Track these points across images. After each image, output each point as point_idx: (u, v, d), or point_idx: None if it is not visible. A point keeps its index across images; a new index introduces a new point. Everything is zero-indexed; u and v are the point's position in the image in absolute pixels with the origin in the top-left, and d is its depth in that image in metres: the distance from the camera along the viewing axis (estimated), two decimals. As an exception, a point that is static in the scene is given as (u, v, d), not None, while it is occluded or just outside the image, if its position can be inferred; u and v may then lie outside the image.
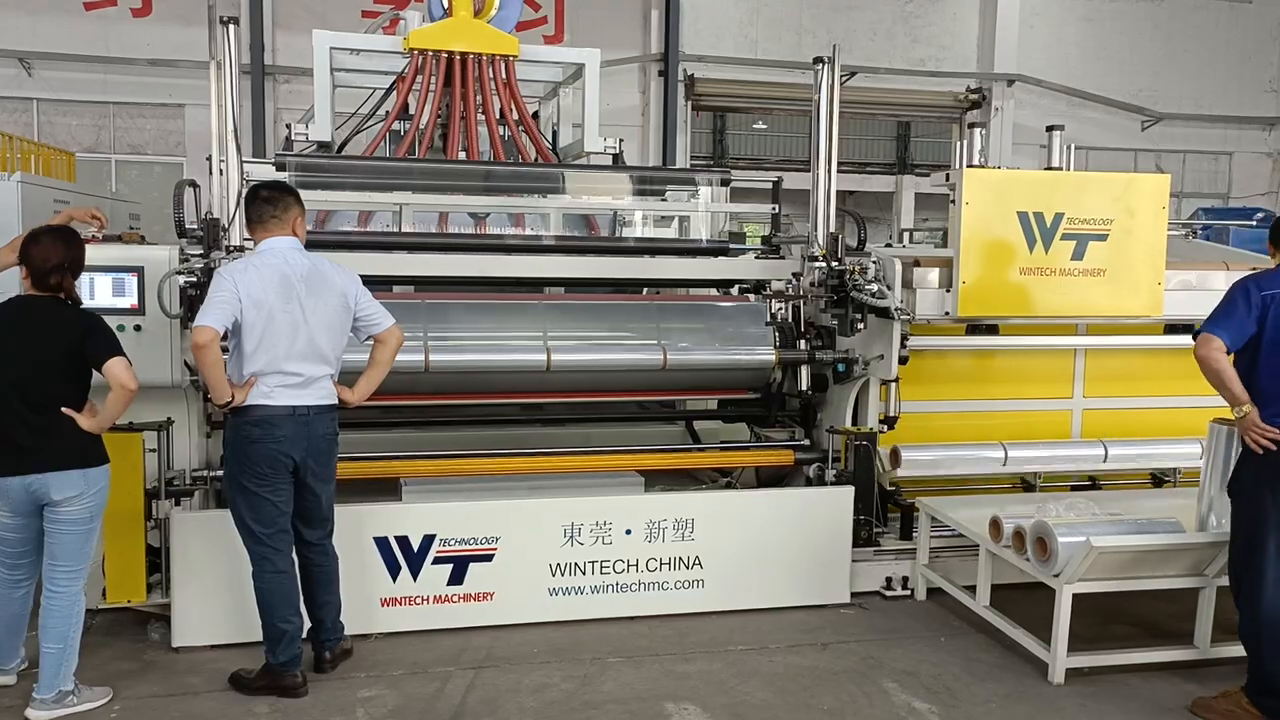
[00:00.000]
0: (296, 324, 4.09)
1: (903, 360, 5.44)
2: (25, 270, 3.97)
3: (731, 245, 6.49)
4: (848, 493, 5.32)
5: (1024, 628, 4.69)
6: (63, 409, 3.86)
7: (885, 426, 5.67)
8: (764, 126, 17.91)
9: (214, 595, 4.59)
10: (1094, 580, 4.43)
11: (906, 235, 16.18)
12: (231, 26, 4.69)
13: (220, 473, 4.53)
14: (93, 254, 4.37)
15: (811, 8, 16.85)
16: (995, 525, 4.81)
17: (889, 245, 7.01)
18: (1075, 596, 4.39)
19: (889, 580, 5.48)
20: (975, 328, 5.88)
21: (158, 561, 4.76)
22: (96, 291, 4.58)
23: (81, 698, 4.03)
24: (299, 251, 4.20)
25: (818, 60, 5.48)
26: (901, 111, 17.82)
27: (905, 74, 17.15)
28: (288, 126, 8.24)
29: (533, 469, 5.32)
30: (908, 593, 5.47)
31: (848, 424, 5.62)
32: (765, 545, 5.19)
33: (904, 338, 5.40)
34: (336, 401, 4.29)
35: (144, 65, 14.40)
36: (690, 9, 16.38)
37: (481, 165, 6.86)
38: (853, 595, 5.35)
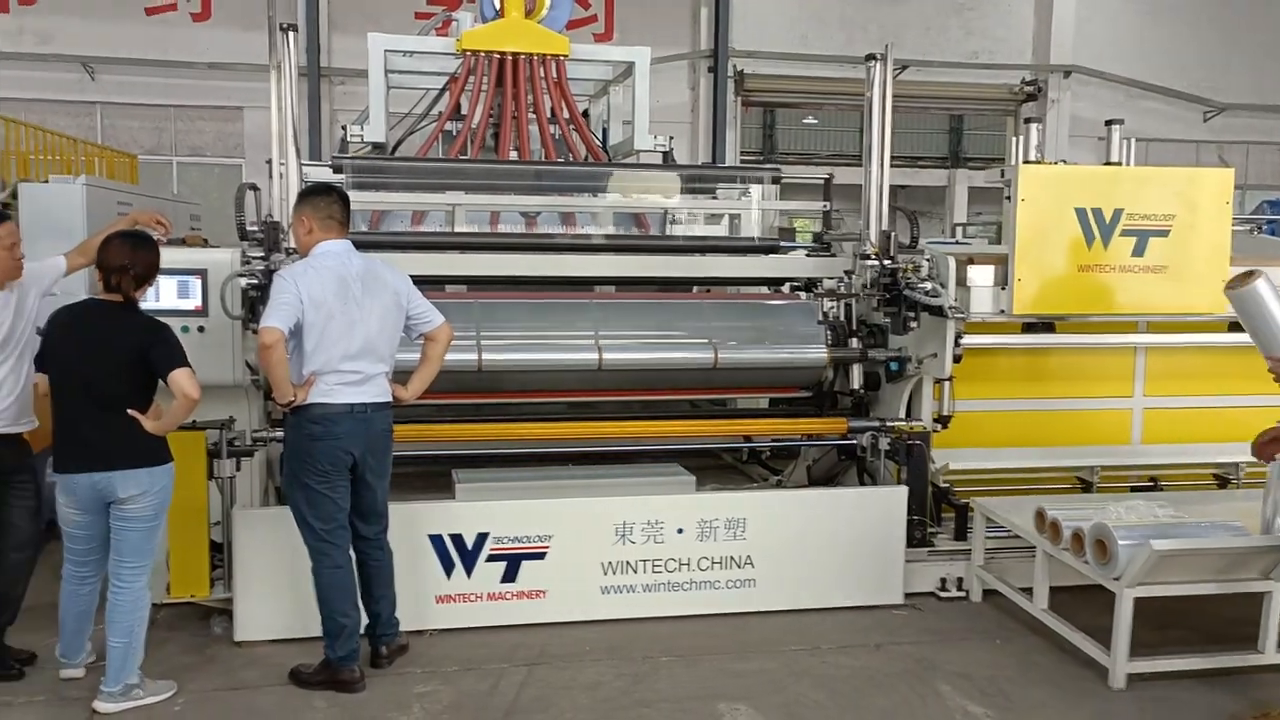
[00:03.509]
0: (353, 323, 4.17)
1: (957, 359, 5.39)
2: (99, 273, 4.08)
3: (782, 242, 6.46)
4: (900, 492, 5.28)
5: (1083, 631, 4.63)
6: (128, 410, 3.95)
7: (939, 425, 5.62)
8: (814, 121, 17.80)
9: (274, 591, 4.68)
10: (1155, 584, 4.36)
11: (959, 230, 16.08)
12: (290, 33, 4.76)
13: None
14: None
15: (862, 1, 16.69)
16: (1054, 527, 4.75)
17: (941, 241, 6.95)
18: (1136, 600, 4.32)
19: (943, 581, 5.43)
20: (1032, 325, 5.80)
21: (220, 557, 4.86)
22: (162, 294, 4.69)
23: (147, 690, 4.13)
24: (354, 253, 4.28)
25: (870, 57, 5.44)
26: (954, 105, 17.61)
27: (958, 67, 16.92)
28: (343, 128, 8.35)
29: (583, 435, 5.39)
30: (963, 594, 5.41)
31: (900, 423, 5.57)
32: (817, 545, 5.17)
33: (958, 336, 5.35)
34: (392, 399, 4.36)
35: (203, 69, 14.66)
36: (740, 5, 16.30)
37: (532, 165, 6.89)
38: (906, 596, 5.31)
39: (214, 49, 14.72)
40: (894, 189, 18.82)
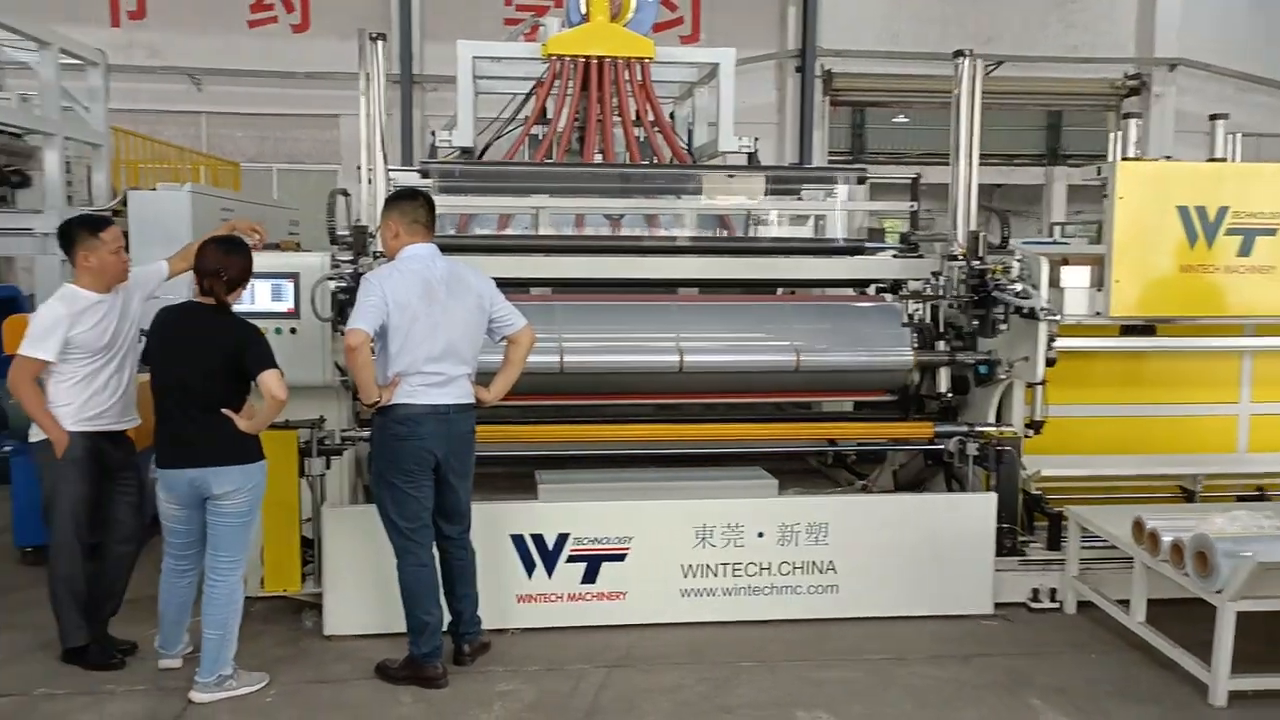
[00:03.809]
0: (437, 325, 4.23)
1: (1050, 362, 5.24)
2: (195, 277, 4.22)
3: (869, 243, 6.36)
4: (989, 499, 5.15)
5: (1182, 646, 4.45)
6: (222, 410, 4.08)
7: (1031, 431, 5.47)
8: (905, 120, 17.53)
9: (363, 587, 4.77)
10: (1260, 598, 4.16)
11: (1057, 230, 15.64)
12: (379, 42, 4.86)
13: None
14: (255, 261, 4.61)
15: (957, -4, 16.38)
16: (1152, 537, 4.58)
17: (1036, 241, 6.76)
18: (1239, 614, 4.13)
19: (1035, 592, 5.28)
20: (1130, 328, 5.61)
21: (311, 553, 4.98)
22: (257, 296, 4.82)
23: (240, 681, 4.25)
24: (438, 256, 4.34)
25: (959, 53, 5.32)
26: (1052, 101, 17.17)
27: (1057, 61, 16.46)
28: (432, 133, 8.51)
29: (664, 437, 5.39)
30: (1056, 605, 5.25)
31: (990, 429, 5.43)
32: (903, 552, 5.07)
33: (1051, 339, 5.20)
34: (475, 400, 4.41)
35: (301, 78, 15.08)
36: (829, 3, 16.14)
37: (615, 167, 6.91)
38: (996, 606, 5.18)
39: (312, 59, 15.14)
40: (988, 188, 18.40)
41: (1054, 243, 12.37)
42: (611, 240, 6.57)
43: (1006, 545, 5.25)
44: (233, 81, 15.23)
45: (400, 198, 4.43)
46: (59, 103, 9.05)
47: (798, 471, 6.47)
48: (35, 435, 4.36)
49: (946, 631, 4.98)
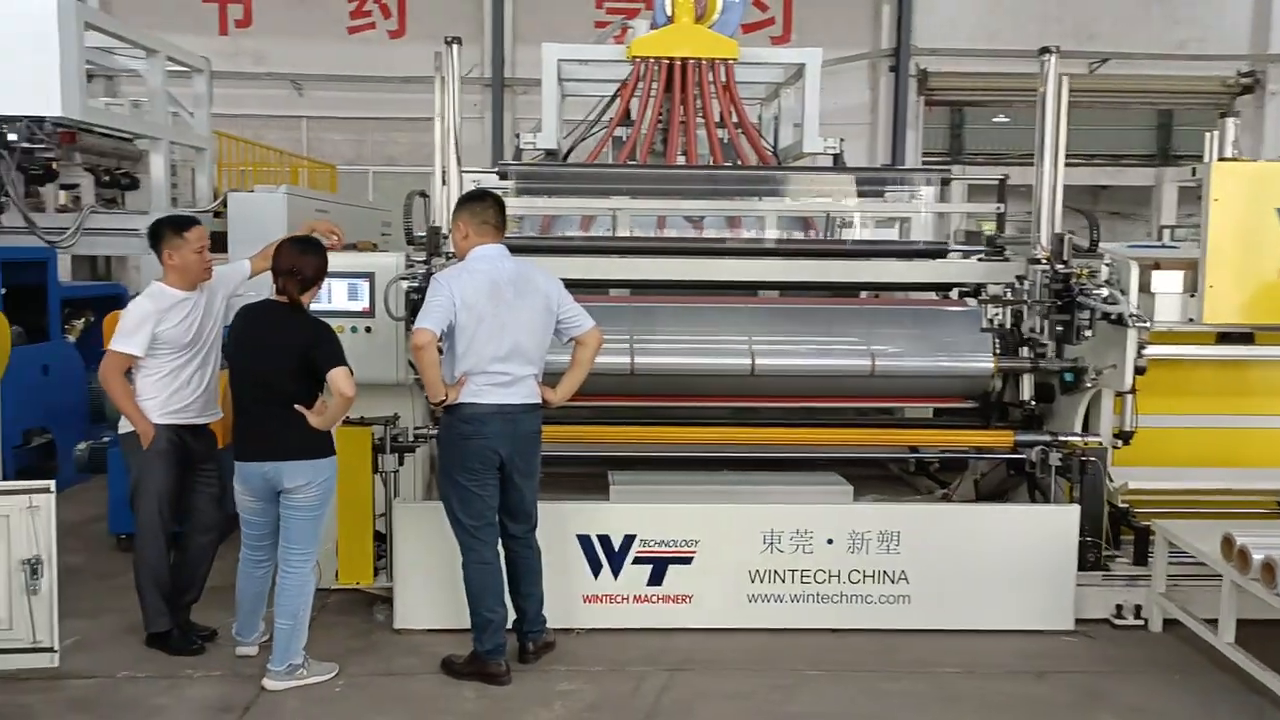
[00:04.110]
0: (504, 326, 4.26)
1: (1140, 370, 5.04)
2: (273, 275, 4.34)
3: (963, 246, 6.19)
4: (1071, 512, 4.98)
5: (1273, 669, 4.23)
6: (294, 406, 4.19)
7: (1120, 441, 5.28)
8: (1005, 120, 17.09)
9: (432, 582, 4.84)
10: (1357, 622, 3.94)
11: (1166, 233, 15.06)
12: (455, 46, 4.93)
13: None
14: (332, 261, 4.73)
15: (1058, -8, 15.91)
16: (1242, 554, 4.36)
17: (1144, 244, 6.52)
18: (1334, 639, 3.92)
19: (1119, 608, 5.08)
20: (1227, 335, 5.36)
21: (384, 548, 5.07)
22: (333, 295, 4.94)
23: (311, 671, 4.36)
24: (507, 257, 4.38)
25: (1045, 50, 5.15)
26: (1159, 99, 16.55)
27: (1163, 59, 15.87)
28: (516, 135, 8.62)
29: (736, 440, 5.36)
30: (1140, 623, 5.05)
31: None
32: (978, 563, 4.94)
33: (1141, 346, 5.00)
34: (540, 401, 4.43)
35: (398, 83, 15.41)
36: (924, 1, 15.85)
37: (692, 169, 6.89)
38: (1077, 622, 5.01)
39: (408, 64, 15.45)
40: (1093, 189, 17.80)
41: (1162, 246, 11.93)
42: (690, 242, 6.56)
43: (1090, 559, 5.07)
44: (332, 86, 15.66)
45: (469, 199, 4.49)
46: (165, 108, 9.42)
47: (879, 478, 6.35)
48: (124, 427, 4.54)
49: (1022, 647, 4.83)
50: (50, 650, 4.15)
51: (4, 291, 7.06)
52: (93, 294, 8.62)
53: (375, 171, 15.97)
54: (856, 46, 15.82)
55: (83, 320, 8.07)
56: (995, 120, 17.13)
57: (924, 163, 16.00)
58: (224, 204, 9.20)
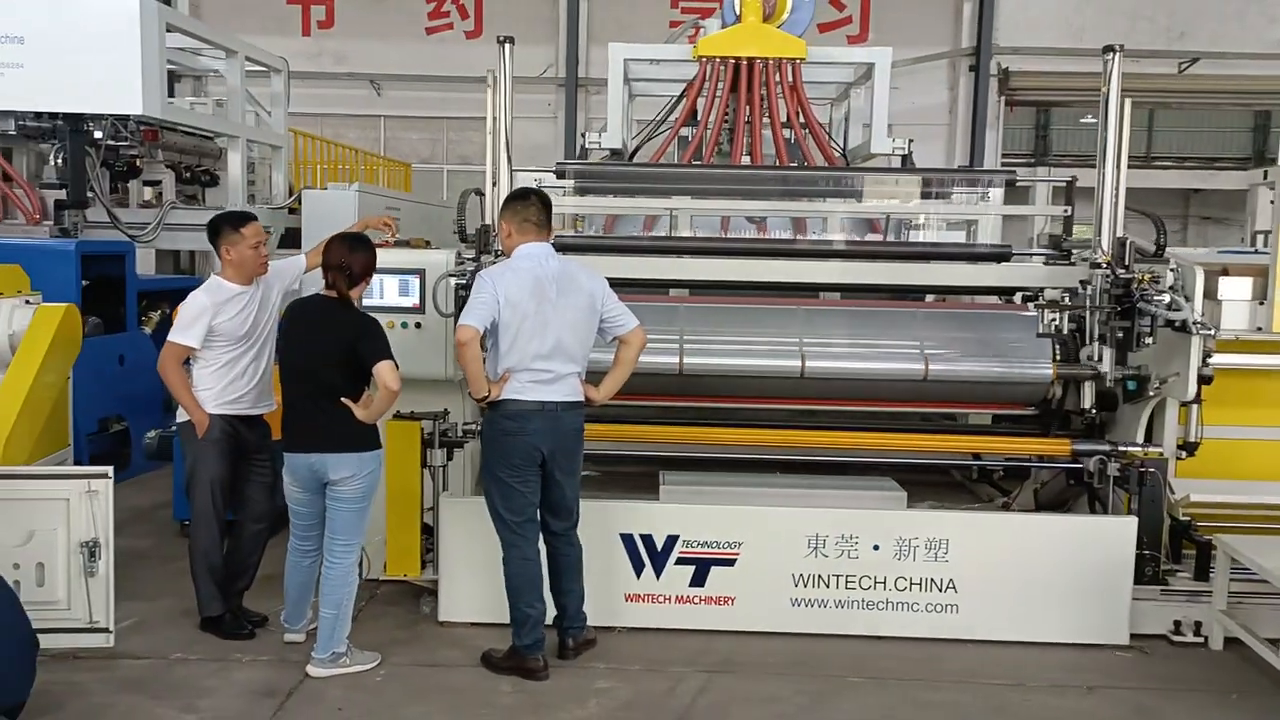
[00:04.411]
0: (547, 323, 4.28)
1: (1206, 380, 4.87)
2: (323, 271, 4.43)
3: (1044, 251, 6.03)
4: (1128, 524, 4.83)
5: (1337, 694, 4.07)
6: (341, 399, 4.27)
7: (1184, 453, 5.11)
8: (1094, 120, 16.60)
9: (476, 575, 4.87)
10: None
11: (1261, 238, 14.50)
12: (508, 45, 4.98)
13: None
14: (382, 257, 4.81)
15: (1148, -10, 15.43)
16: (1306, 573, 4.19)
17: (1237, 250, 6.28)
18: (1401, 665, 3.74)
19: (1177, 624, 4.92)
20: (1300, 345, 5.16)
21: (432, 541, 5.14)
22: (385, 291, 5.03)
23: (354, 660, 4.44)
24: (552, 256, 4.40)
25: (1108, 49, 5.02)
26: (1255, 100, 15.94)
27: (1260, 58, 15.29)
28: (582, 135, 8.67)
29: (783, 443, 5.30)
30: (1200, 640, 4.88)
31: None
32: (1029, 574, 4.82)
33: (1206, 354, 4.83)
34: (583, 399, 4.44)
35: (473, 83, 15.48)
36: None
37: (749, 169, 6.85)
38: (1133, 637, 4.86)
39: (484, 64, 15.55)
40: (1184, 193, 17.22)
41: (1255, 252, 11.49)
42: (749, 243, 6.51)
43: (1147, 573, 4.91)
44: (410, 86, 15.95)
45: (512, 198, 4.52)
46: (243, 107, 9.69)
47: (942, 485, 6.24)
48: (181, 416, 4.69)
49: (1074, 660, 4.71)
50: (106, 631, 4.30)
51: (86, 284, 7.33)
52: (169, 287, 8.90)
53: (449, 170, 16.20)
54: (936, 45, 15.58)
55: (159, 312, 8.35)
56: (1083, 121, 16.67)
57: (1003, 164, 15.67)
58: (298, 200, 9.46)
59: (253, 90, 10.21)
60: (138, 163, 9.24)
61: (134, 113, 8.00)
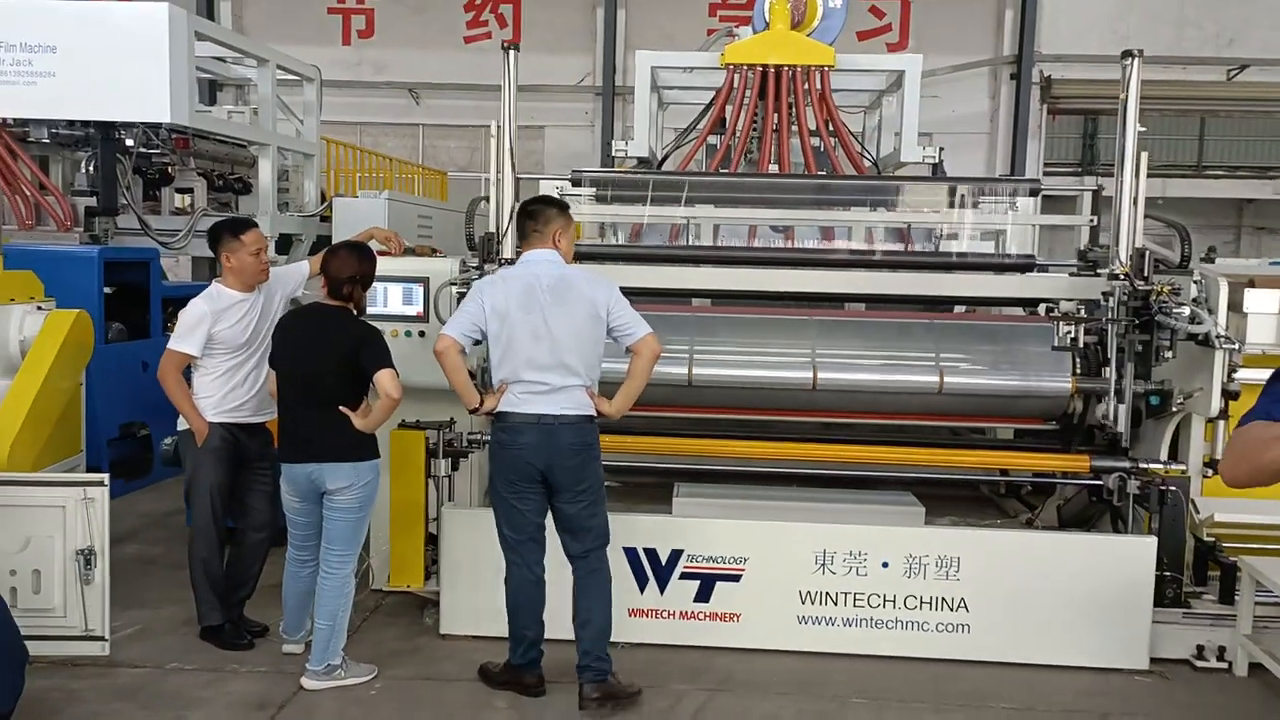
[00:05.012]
0: (538, 333, 4.12)
1: (1232, 395, 4.69)
2: (324, 280, 4.41)
3: (1039, 260, 5.89)
4: (1148, 544, 4.66)
5: (1364, 727, 3.87)
6: (339, 408, 4.24)
7: (1210, 470, 4.92)
8: (1142, 129, 16.22)
9: (479, 588, 4.79)
10: None
11: (1311, 250, 14.10)
12: (513, 52, 4.94)
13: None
14: (387, 266, 4.80)
15: (1195, -3, 15.06)
16: (1334, 599, 4.00)
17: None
18: None
19: (1200, 649, 4.73)
20: (1333, 360, 4.94)
21: (437, 551, 5.10)
22: (389, 299, 5.00)
23: (349, 672, 4.40)
24: (551, 263, 4.24)
25: (1126, 54, 4.87)
26: (1307, 108, 15.51)
27: (1313, 65, 14.88)
28: (608, 143, 8.64)
29: (803, 456, 5.18)
30: (1224, 666, 4.69)
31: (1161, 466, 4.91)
32: (1044, 594, 4.67)
33: (1232, 369, 4.65)
34: (589, 413, 4.24)
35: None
36: (1050, 7, 15.24)
37: (770, 177, 6.75)
38: (1153, 661, 4.68)
39: (521, 73, 15.62)
40: (1237, 203, 16.73)
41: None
42: (765, 252, 6.39)
43: (1169, 595, 4.74)
44: (448, 95, 16.00)
45: (521, 207, 4.43)
46: (274, 115, 9.77)
47: (964, 499, 6.10)
48: (182, 424, 4.70)
49: (1090, 685, 4.55)
50: (101, 639, 4.29)
51: (111, 290, 7.42)
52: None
53: (486, 179, 16.19)
54: (976, 53, 15.33)
55: (182, 318, 8.40)
56: (1131, 130, 16.29)
57: (1046, 173, 15.39)
58: (330, 208, 9.51)
59: (287, 99, 10.30)
60: (170, 170, 9.37)
61: (163, 121, 8.08)
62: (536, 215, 4.31)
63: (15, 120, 8.18)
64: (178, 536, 6.31)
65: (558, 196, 5.06)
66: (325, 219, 9.74)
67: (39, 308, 5.38)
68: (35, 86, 7.71)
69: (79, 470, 5.55)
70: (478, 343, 4.25)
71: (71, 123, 8.13)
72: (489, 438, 4.41)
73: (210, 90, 12.84)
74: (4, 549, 4.16)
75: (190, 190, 9.69)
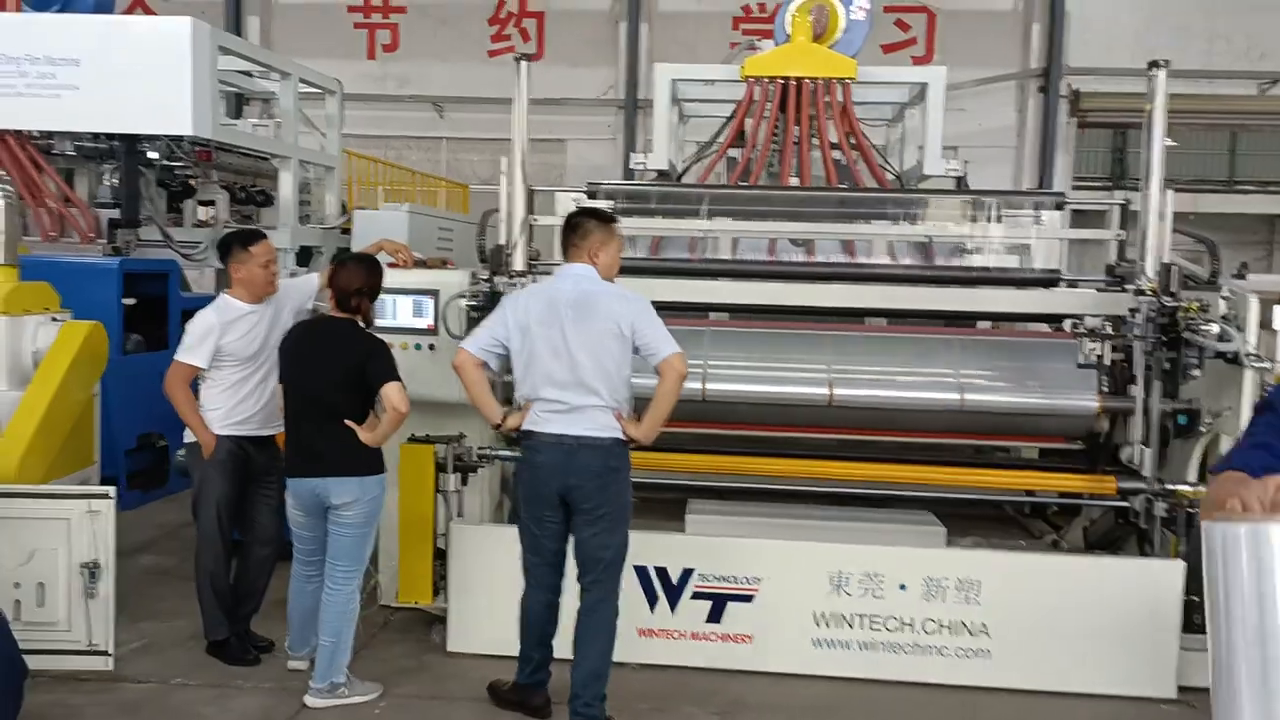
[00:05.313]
0: (557, 350, 4.00)
1: (1263, 415, 4.53)
2: (331, 293, 4.36)
3: (1065, 275, 5.76)
4: (1175, 567, 4.52)
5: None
6: (345, 421, 4.18)
7: (1240, 492, 4.76)
8: (1173, 143, 16.02)
9: (487, 605, 4.74)
10: None
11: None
12: (525, 63, 4.89)
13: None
14: (398, 278, 4.74)
15: (1226, 11, 14.81)
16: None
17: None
18: None
19: (1230, 678, 4.57)
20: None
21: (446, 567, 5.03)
22: (399, 312, 4.95)
23: (353, 690, 4.33)
24: (581, 278, 4.09)
25: (1153, 64, 4.75)
26: (1343, 122, 15.24)
27: (1348, 79, 14.63)
28: (628, 155, 8.60)
29: (822, 474, 5.09)
30: (1255, 696, 4.52)
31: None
32: (1068, 619, 4.53)
33: (1263, 388, 4.51)
34: (613, 435, 4.02)
35: (532, 105, 15.63)
36: (1078, 19, 15.08)
37: (786, 190, 6.67)
38: (1180, 690, 4.53)
39: (544, 86, 15.64)
40: (1271, 218, 16.41)
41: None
42: (784, 266, 6.29)
43: (1197, 621, 4.57)
44: (471, 109, 16.03)
45: (566, 219, 4.30)
46: (296, 128, 9.79)
47: (988, 519, 5.98)
48: (188, 436, 4.66)
49: (1114, 713, 4.42)
50: (105, 654, 4.25)
51: (131, 302, 7.43)
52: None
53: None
54: (1003, 66, 15.18)
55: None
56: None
57: (1075, 187, 15.20)
58: (350, 220, 9.52)
59: (311, 112, 10.33)
60: (192, 183, 9.40)
61: (185, 133, 8.10)
62: (576, 228, 4.18)
63: (40, 133, 8.25)
64: (192, 548, 6.19)
65: (606, 210, 4.88)
66: (346, 231, 9.74)
67: (54, 319, 5.36)
68: (60, 99, 7.76)
69: (92, 482, 5.51)
70: (501, 357, 4.16)
71: (95, 135, 8.17)
72: (505, 454, 4.35)
73: (236, 104, 12.93)
74: (8, 562, 4.13)
75: (213, 202, 9.71)
